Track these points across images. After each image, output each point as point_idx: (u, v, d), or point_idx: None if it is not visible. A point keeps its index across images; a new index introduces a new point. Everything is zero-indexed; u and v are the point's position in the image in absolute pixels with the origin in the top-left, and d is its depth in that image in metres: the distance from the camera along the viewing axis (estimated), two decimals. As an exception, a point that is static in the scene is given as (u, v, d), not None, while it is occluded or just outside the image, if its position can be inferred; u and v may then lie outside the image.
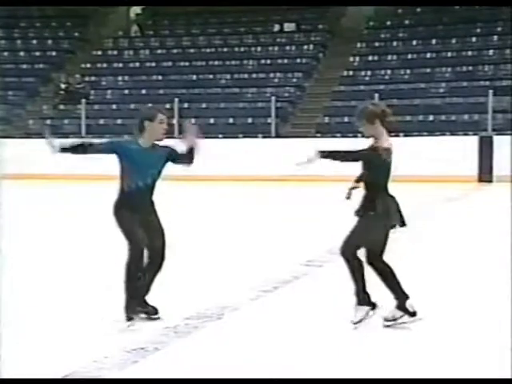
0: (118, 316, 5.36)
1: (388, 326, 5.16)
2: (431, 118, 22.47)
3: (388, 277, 5.21)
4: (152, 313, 5.41)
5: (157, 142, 5.40)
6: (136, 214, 5.29)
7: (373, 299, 5.26)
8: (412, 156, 19.95)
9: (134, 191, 5.32)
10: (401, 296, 5.21)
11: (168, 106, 23.73)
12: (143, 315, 5.35)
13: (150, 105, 18.92)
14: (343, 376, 4.15)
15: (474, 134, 20.56)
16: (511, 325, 5.12)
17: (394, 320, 5.20)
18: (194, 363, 4.43)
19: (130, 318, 5.22)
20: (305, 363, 4.44)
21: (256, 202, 15.37)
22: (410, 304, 5.22)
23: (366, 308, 5.22)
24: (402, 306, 5.21)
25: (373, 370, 4.28)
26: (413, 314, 5.21)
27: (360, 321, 5.18)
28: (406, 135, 21.52)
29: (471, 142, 20.14)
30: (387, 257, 5.23)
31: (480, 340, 4.97)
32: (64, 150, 5.39)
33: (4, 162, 20.99)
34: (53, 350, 4.67)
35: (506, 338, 4.86)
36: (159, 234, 5.39)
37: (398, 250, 8.86)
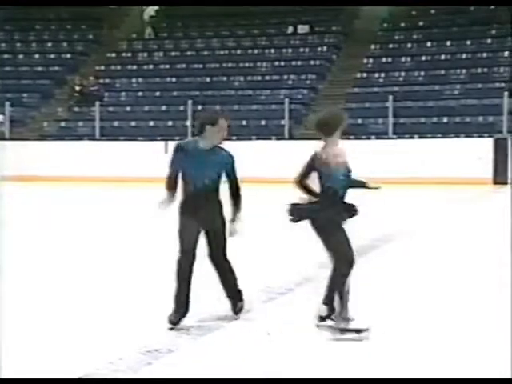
0: (133, 317, 5.38)
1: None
2: (445, 119, 22.38)
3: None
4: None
5: (222, 146, 5.41)
6: (195, 216, 5.27)
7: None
8: (426, 158, 19.93)
9: (193, 193, 5.30)
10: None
11: (181, 108, 23.84)
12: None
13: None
14: (353, 376, 4.14)
15: (489, 136, 20.48)
16: (511, 325, 5.10)
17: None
18: (208, 365, 4.43)
19: (171, 322, 5.21)
20: (318, 364, 4.43)
21: (269, 204, 15.34)
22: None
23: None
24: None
25: (377, 371, 4.27)
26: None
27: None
28: (420, 137, 21.50)
29: (486, 144, 20.06)
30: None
31: (480, 340, 4.95)
32: (164, 203, 5.34)
33: (18, 164, 21.13)
34: (68, 351, 4.69)
35: (506, 338, 4.85)
36: (219, 238, 5.39)
37: (413, 250, 8.85)
